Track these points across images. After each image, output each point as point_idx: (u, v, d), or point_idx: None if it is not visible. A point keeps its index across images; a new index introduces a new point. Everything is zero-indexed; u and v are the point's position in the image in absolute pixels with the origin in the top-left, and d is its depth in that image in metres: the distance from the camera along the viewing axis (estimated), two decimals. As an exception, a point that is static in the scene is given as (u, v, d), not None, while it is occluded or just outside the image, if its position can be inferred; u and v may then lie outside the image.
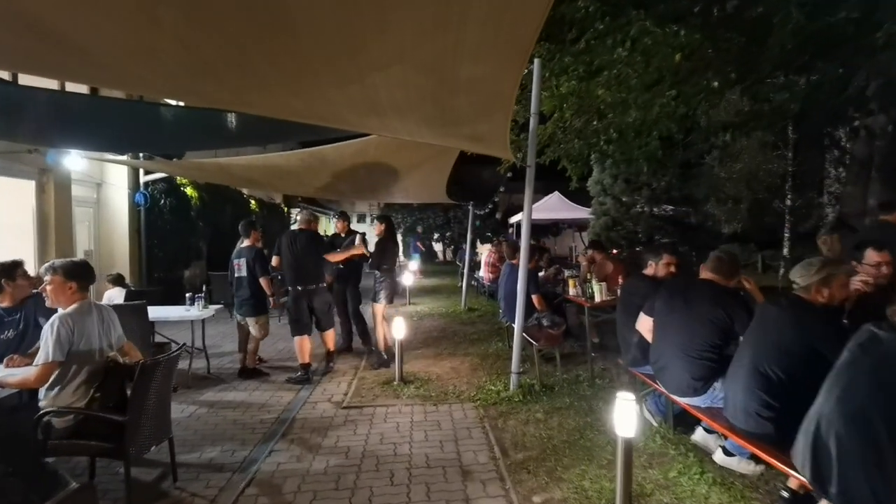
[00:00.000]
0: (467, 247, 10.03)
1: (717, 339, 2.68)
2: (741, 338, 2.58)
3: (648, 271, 3.56)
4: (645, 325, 3.14)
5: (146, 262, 9.02)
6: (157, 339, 5.48)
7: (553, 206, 18.62)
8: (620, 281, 5.59)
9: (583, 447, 3.40)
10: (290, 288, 5.23)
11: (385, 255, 5.74)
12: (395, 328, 5.06)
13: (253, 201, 14.51)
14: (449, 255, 26.71)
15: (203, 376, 5.38)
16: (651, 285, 3.42)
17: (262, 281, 5.28)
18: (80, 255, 8.34)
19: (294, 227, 5.67)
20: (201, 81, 2.52)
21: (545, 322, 5.38)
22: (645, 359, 3.30)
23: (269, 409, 4.39)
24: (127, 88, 5.11)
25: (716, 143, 12.14)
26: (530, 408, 4.17)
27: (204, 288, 5.60)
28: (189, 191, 10.43)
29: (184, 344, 3.37)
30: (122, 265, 8.76)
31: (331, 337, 5.42)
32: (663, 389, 2.96)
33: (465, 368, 5.52)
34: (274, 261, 5.34)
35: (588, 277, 5.40)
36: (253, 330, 5.37)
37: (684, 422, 3.33)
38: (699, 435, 3.10)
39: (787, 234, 16.01)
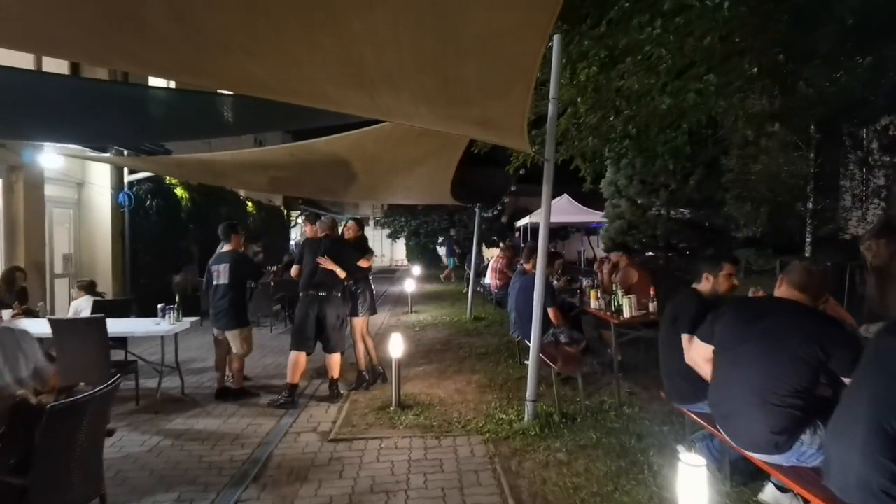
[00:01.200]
0: (473, 251, 9.39)
1: (806, 381, 2.02)
2: (844, 379, 1.94)
3: (704, 286, 2.91)
4: (701, 353, 2.49)
5: (130, 267, 8.44)
6: (132, 355, 4.89)
7: (562, 209, 17.95)
8: (652, 293, 4.95)
9: None
10: (300, 293, 4.67)
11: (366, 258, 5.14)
12: (392, 345, 4.45)
13: (250, 203, 13.94)
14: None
15: (176, 398, 4.77)
16: (705, 303, 2.77)
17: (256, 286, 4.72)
18: (58, 260, 7.77)
19: (311, 232, 5.15)
20: (132, 41, 1.91)
21: (563, 338, 4.74)
22: (698, 396, 2.65)
23: (244, 442, 3.76)
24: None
25: (732, 142, 11.47)
26: (549, 445, 3.52)
27: (177, 299, 4.98)
28: (179, 191, 9.86)
29: (132, 366, 2.77)
30: (104, 270, 8.19)
31: (336, 362, 4.73)
32: (730, 441, 2.31)
33: (472, 390, 4.88)
34: (293, 271, 4.82)
35: (613, 288, 4.72)
36: (234, 345, 4.77)
37: (744, 470, 2.68)
38: (770, 494, 2.45)
39: (808, 239, 15.28)
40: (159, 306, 4.70)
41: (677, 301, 2.97)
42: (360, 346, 5.14)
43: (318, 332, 4.63)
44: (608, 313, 4.52)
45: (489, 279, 10.28)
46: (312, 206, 22.73)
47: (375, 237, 27.00)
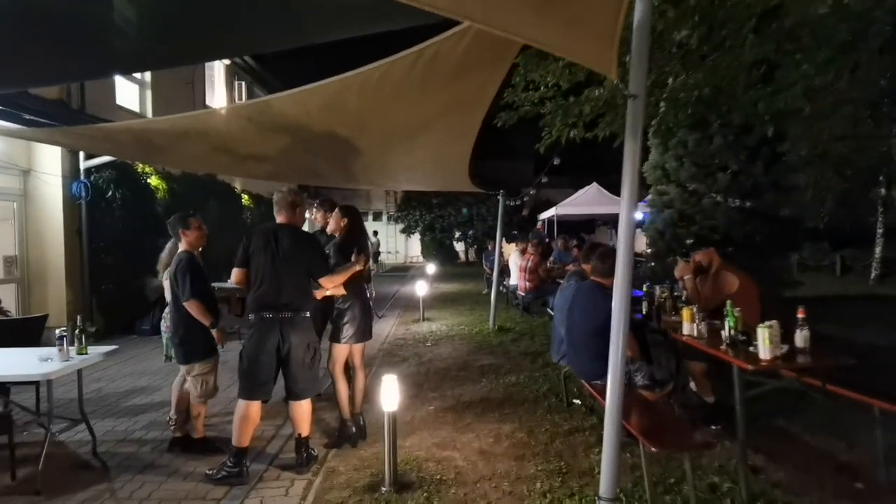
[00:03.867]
0: (496, 247, 7.84)
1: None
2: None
3: None
4: None
5: (89, 269, 7.11)
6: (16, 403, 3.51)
7: (591, 200, 16.31)
8: (757, 307, 3.37)
9: None
10: (251, 314, 3.15)
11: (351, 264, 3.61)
12: (385, 394, 2.97)
13: (246, 196, 12.60)
14: (472, 256, 24.54)
15: (82, 464, 3.36)
16: None
17: (190, 306, 3.28)
18: (-2, 262, 6.47)
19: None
20: None
21: (639, 378, 3.21)
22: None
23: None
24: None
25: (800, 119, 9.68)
26: None
27: (79, 320, 3.55)
28: (154, 181, 8.52)
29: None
30: (57, 273, 6.88)
31: (305, 414, 3.21)
32: None
33: (504, 453, 3.37)
34: (236, 276, 3.20)
35: (730, 310, 2.99)
36: (189, 385, 3.40)
37: None
38: None
39: (880, 230, 13.34)
40: (57, 331, 3.26)
41: None
42: (342, 387, 3.69)
43: (279, 371, 3.17)
44: (729, 351, 2.85)
45: (515, 280, 8.74)
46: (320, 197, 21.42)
47: (389, 232, 25.61)
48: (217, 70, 12.57)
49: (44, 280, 6.88)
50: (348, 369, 3.85)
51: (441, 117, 3.88)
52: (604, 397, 2.24)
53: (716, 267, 3.89)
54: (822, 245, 16.42)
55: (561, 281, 8.00)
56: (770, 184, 8.30)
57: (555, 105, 6.56)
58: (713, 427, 3.47)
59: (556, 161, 10.63)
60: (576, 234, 22.70)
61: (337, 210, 3.95)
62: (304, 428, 3.22)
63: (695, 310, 3.22)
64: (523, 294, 8.21)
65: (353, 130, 3.88)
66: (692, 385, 3.98)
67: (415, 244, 25.48)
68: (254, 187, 12.88)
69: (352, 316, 3.67)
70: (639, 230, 20.27)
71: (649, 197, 10.48)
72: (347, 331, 3.65)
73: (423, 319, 8.42)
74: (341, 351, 3.71)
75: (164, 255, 3.96)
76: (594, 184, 16.58)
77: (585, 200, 16.28)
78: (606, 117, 7.37)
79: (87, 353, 3.27)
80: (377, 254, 20.24)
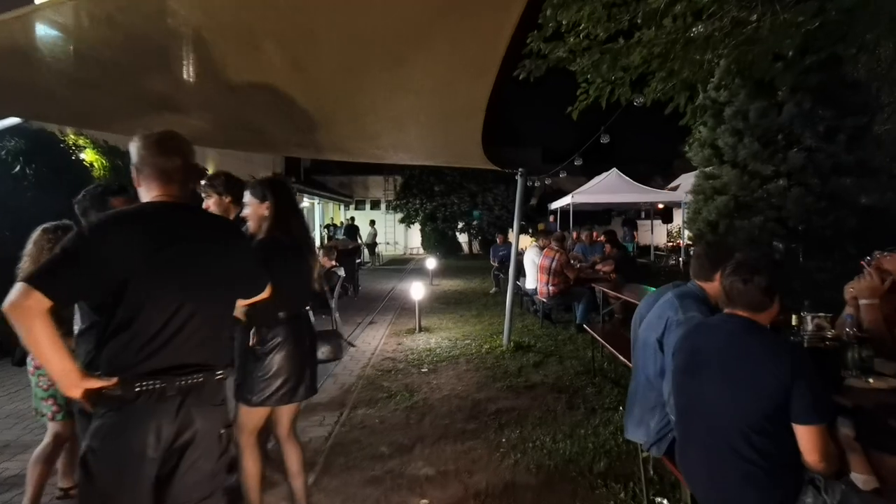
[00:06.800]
0: (514, 239, 6.15)
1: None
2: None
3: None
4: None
5: (-12, 266, 5.49)
6: None
7: (611, 187, 14.62)
8: None
9: None
10: (113, 392, 1.39)
11: (283, 276, 1.97)
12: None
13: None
14: (476, 248, 22.87)
15: None
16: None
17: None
18: None
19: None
20: None
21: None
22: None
23: None
24: None
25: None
26: None
27: None
28: (90, 155, 6.89)
29: None
30: (-59, 272, 5.25)
31: None
32: None
33: None
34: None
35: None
36: None
37: None
38: None
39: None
40: None
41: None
42: (252, 466, 2.13)
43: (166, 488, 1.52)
44: None
45: (533, 283, 7.11)
46: (313, 186, 19.71)
47: (388, 222, 23.89)
48: None
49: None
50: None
51: (440, 32, 2.23)
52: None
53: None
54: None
55: (596, 287, 6.39)
56: (856, 163, 6.65)
57: (596, 50, 4.89)
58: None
59: (605, 138, 8.99)
60: (585, 222, 21.03)
61: (250, 191, 2.31)
62: None
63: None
64: (545, 300, 6.57)
65: (292, 46, 2.24)
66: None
67: (415, 235, 23.81)
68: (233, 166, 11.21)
69: (279, 363, 2.08)
70: (657, 221, 18.58)
71: (692, 181, 8.85)
72: (267, 385, 2.06)
73: (420, 330, 6.80)
74: (255, 416, 2.13)
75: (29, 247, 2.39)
76: (614, 170, 14.89)
77: (605, 188, 14.60)
78: (659, 73, 5.73)
79: None
80: (374, 245, 18.60)
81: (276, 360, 2.08)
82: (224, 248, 1.59)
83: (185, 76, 2.65)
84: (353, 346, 2.12)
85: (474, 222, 21.38)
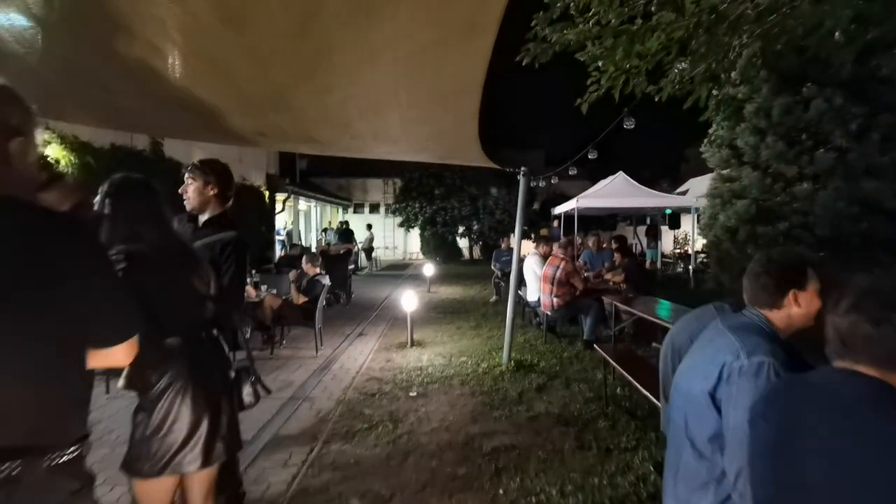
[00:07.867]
0: (516, 244, 5.54)
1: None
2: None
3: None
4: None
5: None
6: None
7: (617, 191, 13.95)
8: None
9: None
10: None
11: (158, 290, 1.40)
12: None
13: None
14: (477, 253, 22.24)
15: None
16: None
17: None
18: None
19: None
20: None
21: None
22: None
23: None
24: None
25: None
26: None
27: None
28: (56, 151, 6.35)
29: None
30: None
31: None
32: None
33: None
34: None
35: None
36: None
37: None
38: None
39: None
40: None
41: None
42: None
43: None
44: None
45: (534, 293, 6.51)
46: (310, 189, 19.15)
47: (387, 226, 23.29)
48: None
49: None
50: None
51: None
52: None
53: None
54: (871, 254, 14.04)
55: (606, 299, 5.76)
56: (890, 165, 6.06)
57: (612, 32, 4.31)
58: None
59: (630, 123, 8.44)
60: (589, 228, 20.34)
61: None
62: None
63: None
64: (550, 312, 5.97)
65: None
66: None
67: (414, 239, 23.22)
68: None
69: (176, 411, 1.51)
70: (664, 227, 17.95)
71: (706, 185, 8.27)
72: (161, 446, 1.49)
73: (412, 344, 6.20)
74: (154, 493, 1.55)
75: None
76: (620, 173, 14.26)
77: (611, 191, 13.96)
78: (678, 64, 5.17)
79: None
80: (370, 249, 18.02)
81: (172, 408, 1.49)
82: (38, 261, 0.99)
83: (99, 40, 2.09)
84: (268, 390, 1.69)
85: (489, 202, 20.69)
